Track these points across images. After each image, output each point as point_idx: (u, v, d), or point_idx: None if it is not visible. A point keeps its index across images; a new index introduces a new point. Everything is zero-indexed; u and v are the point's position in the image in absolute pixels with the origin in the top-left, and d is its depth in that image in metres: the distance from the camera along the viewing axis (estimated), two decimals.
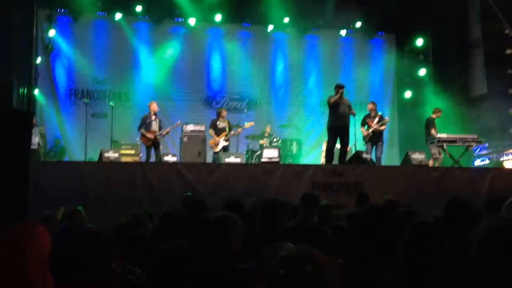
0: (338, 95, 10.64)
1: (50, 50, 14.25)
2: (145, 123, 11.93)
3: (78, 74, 14.60)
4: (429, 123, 12.12)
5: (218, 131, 12.37)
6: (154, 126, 11.92)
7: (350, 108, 10.82)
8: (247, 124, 12.96)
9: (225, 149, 12.27)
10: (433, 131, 11.94)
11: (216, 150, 12.22)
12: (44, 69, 14.25)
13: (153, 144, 11.85)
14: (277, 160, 10.91)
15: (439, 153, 11.67)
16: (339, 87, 10.77)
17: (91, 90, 14.69)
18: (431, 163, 11.66)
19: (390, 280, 2.50)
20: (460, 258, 2.21)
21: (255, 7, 14.52)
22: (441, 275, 2.21)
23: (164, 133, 12.00)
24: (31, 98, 13.55)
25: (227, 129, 12.45)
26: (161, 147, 12.14)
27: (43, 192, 7.67)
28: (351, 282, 2.87)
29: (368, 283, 2.73)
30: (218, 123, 12.48)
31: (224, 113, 12.70)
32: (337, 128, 10.64)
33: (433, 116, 12.26)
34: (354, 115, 11.00)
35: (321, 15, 15.09)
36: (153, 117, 12.01)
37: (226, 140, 12.38)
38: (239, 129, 12.80)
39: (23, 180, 5.12)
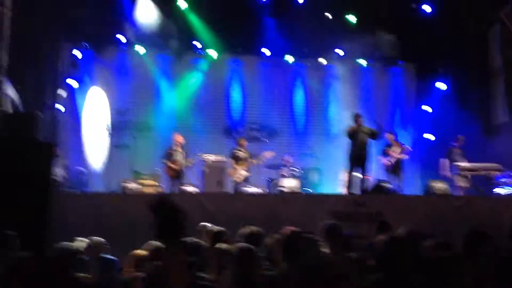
0: (356, 125, 10.76)
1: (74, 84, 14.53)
2: (168, 154, 12.06)
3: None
4: (449, 152, 12.04)
5: (239, 161, 12.41)
6: (178, 156, 12.04)
7: (372, 133, 10.90)
8: (268, 154, 12.98)
9: (246, 179, 12.29)
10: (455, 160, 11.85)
11: (237, 180, 12.23)
12: (67, 102, 14.50)
13: (177, 175, 11.95)
14: (297, 189, 10.90)
15: (463, 182, 11.56)
16: (355, 116, 10.93)
17: (113, 121, 14.89)
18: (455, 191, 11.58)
19: None
20: None
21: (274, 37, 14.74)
22: None
23: (188, 164, 12.09)
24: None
25: (248, 159, 12.50)
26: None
27: (66, 223, 7.75)
28: None
29: None
30: (238, 153, 12.53)
31: (244, 143, 12.77)
32: (356, 157, 10.68)
33: (456, 144, 12.18)
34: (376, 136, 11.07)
35: (340, 45, 15.21)
36: (177, 148, 12.13)
37: (247, 170, 12.41)
38: (259, 159, 12.82)
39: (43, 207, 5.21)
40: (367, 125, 11.20)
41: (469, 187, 11.59)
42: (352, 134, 10.74)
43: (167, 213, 2.03)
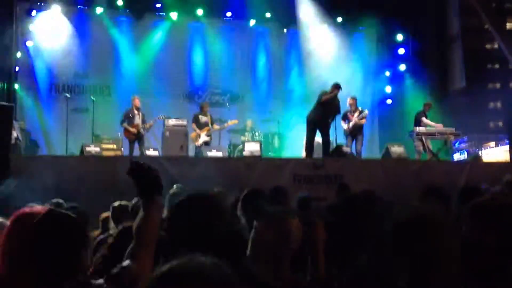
0: (333, 95, 10.90)
1: (30, 44, 14.15)
2: (127, 118, 11.96)
3: (58, 68, 14.51)
4: (418, 117, 12.27)
5: (201, 126, 12.44)
6: (137, 120, 11.95)
7: (337, 107, 11.06)
8: (231, 122, 13.06)
9: (206, 143, 12.32)
10: (426, 121, 12.09)
11: (197, 144, 12.28)
12: (24, 64, 14.14)
13: (136, 138, 11.88)
14: (258, 154, 11.01)
15: (421, 146, 11.83)
16: (336, 87, 11.02)
17: (72, 84, 14.62)
18: (417, 156, 11.85)
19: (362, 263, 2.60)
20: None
21: (237, 1, 14.59)
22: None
23: (147, 126, 12.04)
24: (11, 93, 13.45)
25: (210, 124, 12.52)
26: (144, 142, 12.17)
27: (23, 186, 7.64)
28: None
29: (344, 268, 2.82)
30: (200, 117, 12.55)
31: (207, 108, 12.79)
32: (317, 122, 10.82)
33: (423, 109, 12.42)
34: (339, 113, 11.26)
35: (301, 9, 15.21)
36: (136, 112, 12.04)
37: (208, 135, 12.45)
38: (222, 126, 12.89)
39: (3, 171, 5.14)
40: (339, 100, 11.31)
41: (425, 151, 11.87)
42: (324, 103, 10.86)
43: (145, 174, 2.26)
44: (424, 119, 12.16)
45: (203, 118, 12.53)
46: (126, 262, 2.17)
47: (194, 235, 2.17)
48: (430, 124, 12.10)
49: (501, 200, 2.66)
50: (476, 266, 2.16)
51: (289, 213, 2.68)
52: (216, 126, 12.68)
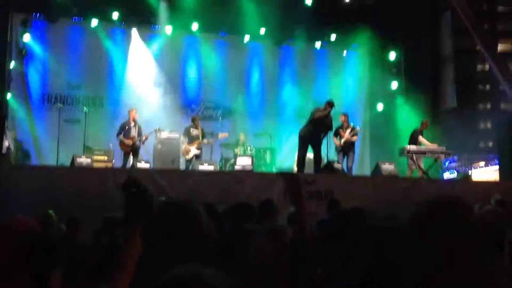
0: (326, 112, 10.95)
1: (24, 54, 14.15)
2: (124, 130, 11.96)
3: (52, 79, 14.51)
4: (415, 135, 12.32)
5: (191, 139, 12.44)
6: (133, 132, 11.95)
7: (329, 124, 11.12)
8: (221, 135, 13.10)
9: (197, 157, 12.32)
10: (423, 140, 12.15)
11: (187, 158, 12.26)
12: (17, 74, 14.12)
13: (132, 150, 11.87)
14: (250, 168, 11.02)
15: (414, 165, 11.88)
16: (329, 105, 11.07)
17: (65, 95, 14.59)
18: (408, 173, 11.90)
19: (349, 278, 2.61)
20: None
21: (232, 17, 14.68)
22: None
23: (143, 139, 12.03)
24: (4, 103, 13.41)
25: (200, 137, 12.52)
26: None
27: (13, 196, 7.62)
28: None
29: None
30: (191, 130, 12.55)
31: (198, 121, 12.80)
32: (309, 138, 10.87)
33: (420, 128, 12.48)
34: (331, 130, 11.32)
35: (296, 27, 15.33)
36: (132, 124, 12.04)
37: (198, 148, 12.43)
38: (212, 140, 12.91)
39: None
40: (331, 117, 11.36)
41: (416, 169, 11.93)
42: (317, 120, 10.92)
43: (137, 192, 2.17)
44: (420, 137, 12.23)
45: (194, 131, 12.54)
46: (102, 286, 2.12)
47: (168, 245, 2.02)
48: (425, 144, 12.16)
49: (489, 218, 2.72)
50: None
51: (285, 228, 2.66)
52: (205, 141, 12.68)
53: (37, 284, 1.89)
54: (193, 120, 12.83)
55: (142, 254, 2.11)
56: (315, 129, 10.96)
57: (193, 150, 12.30)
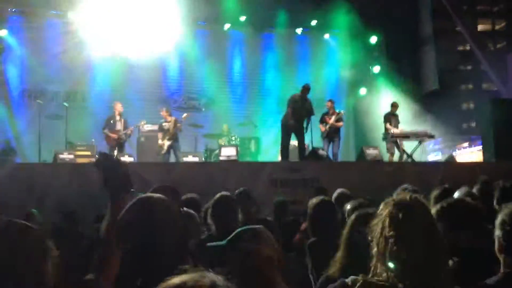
0: (301, 96, 10.91)
1: (1, 50, 13.93)
2: (109, 124, 11.81)
3: (31, 74, 14.31)
4: (386, 118, 12.38)
5: (165, 133, 12.11)
6: (119, 126, 11.81)
7: (310, 109, 11.04)
8: (184, 116, 12.56)
9: (171, 147, 11.94)
10: (388, 126, 12.21)
11: (163, 152, 11.90)
12: None
13: (117, 144, 11.73)
14: (235, 158, 10.98)
15: (393, 148, 11.95)
16: (305, 88, 11.03)
17: (45, 90, 14.41)
18: (390, 157, 11.93)
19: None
20: None
21: (212, 5, 14.56)
22: None
23: (128, 132, 11.87)
24: None
25: (172, 127, 12.10)
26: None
27: None
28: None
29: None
30: (163, 125, 12.21)
31: (164, 113, 12.39)
32: (291, 126, 10.83)
33: (391, 110, 12.53)
34: (313, 114, 11.24)
35: (276, 13, 15.26)
36: (118, 117, 11.89)
37: (170, 139, 12.00)
38: (179, 125, 12.34)
39: None
40: (310, 101, 11.28)
41: (400, 152, 11.98)
42: (295, 105, 10.87)
43: (113, 168, 2.09)
44: (387, 125, 12.26)
45: (166, 125, 12.11)
46: (89, 276, 2.05)
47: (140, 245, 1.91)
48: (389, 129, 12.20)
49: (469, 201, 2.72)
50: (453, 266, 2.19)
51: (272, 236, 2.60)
52: (179, 125, 12.14)
53: (30, 275, 1.77)
54: (162, 114, 12.44)
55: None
56: (296, 115, 10.90)
57: (166, 143, 11.98)
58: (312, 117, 11.41)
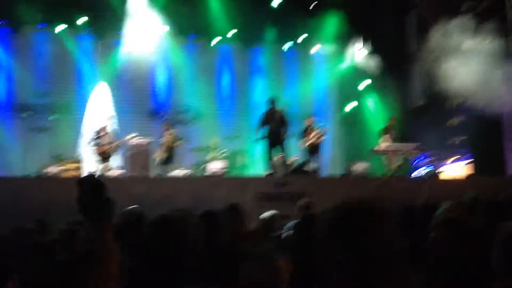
0: (268, 112, 11.05)
1: None
2: (96, 137, 11.77)
3: (18, 87, 14.21)
4: (380, 133, 12.37)
5: (160, 146, 12.13)
6: (106, 139, 11.76)
7: (279, 119, 11.14)
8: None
9: (165, 161, 11.94)
10: (381, 140, 12.18)
11: (157, 165, 11.88)
12: None
13: (104, 158, 11.69)
14: (222, 172, 10.98)
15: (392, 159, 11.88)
16: (271, 102, 11.36)
17: (32, 103, 14.30)
18: (392, 168, 11.89)
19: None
20: None
21: (200, 20, 14.65)
22: None
23: (114, 146, 11.82)
24: None
25: (167, 143, 12.10)
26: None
27: None
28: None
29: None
30: (159, 140, 12.31)
31: (164, 128, 12.51)
32: (269, 139, 11.03)
33: (390, 124, 12.52)
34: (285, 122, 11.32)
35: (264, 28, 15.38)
36: (105, 131, 11.85)
37: (165, 152, 12.00)
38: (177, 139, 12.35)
39: None
40: (281, 111, 11.41)
41: (389, 166, 11.96)
42: (266, 119, 11.03)
43: (92, 190, 1.95)
44: (383, 137, 12.25)
45: (161, 140, 12.19)
46: None
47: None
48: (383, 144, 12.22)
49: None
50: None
51: (276, 253, 2.61)
52: (180, 142, 12.25)
53: None
54: (162, 129, 12.53)
55: (130, 265, 2.02)
56: (271, 129, 11.07)
57: (161, 156, 11.96)
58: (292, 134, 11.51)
